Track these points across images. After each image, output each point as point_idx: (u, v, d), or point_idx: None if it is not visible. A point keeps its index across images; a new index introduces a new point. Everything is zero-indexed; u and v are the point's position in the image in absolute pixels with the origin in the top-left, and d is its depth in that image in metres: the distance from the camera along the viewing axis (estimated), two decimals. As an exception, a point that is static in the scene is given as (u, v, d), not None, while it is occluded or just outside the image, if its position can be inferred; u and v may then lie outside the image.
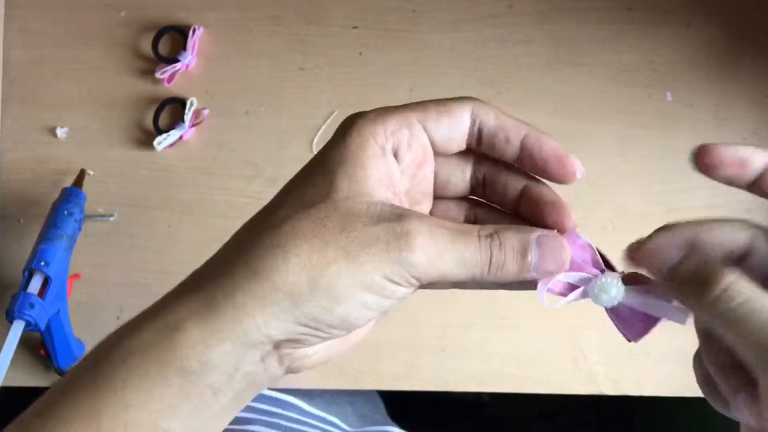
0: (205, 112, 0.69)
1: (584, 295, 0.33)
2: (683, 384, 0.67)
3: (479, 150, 0.33)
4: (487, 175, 0.34)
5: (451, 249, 0.29)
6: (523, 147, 0.32)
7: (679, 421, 0.83)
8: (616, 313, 0.33)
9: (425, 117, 0.31)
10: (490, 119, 0.31)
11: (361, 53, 0.70)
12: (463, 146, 0.32)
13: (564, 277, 0.32)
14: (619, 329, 0.33)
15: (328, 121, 0.69)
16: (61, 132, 0.70)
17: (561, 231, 0.32)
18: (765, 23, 0.70)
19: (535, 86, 0.70)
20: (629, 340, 0.33)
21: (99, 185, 0.69)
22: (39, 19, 0.71)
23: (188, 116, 0.69)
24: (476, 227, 0.30)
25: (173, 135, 0.68)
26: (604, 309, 0.33)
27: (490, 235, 0.30)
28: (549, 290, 0.32)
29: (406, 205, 0.31)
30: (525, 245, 0.30)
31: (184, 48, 0.69)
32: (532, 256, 0.30)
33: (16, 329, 0.60)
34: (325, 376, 0.67)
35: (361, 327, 0.30)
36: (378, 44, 0.70)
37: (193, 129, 0.69)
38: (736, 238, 0.31)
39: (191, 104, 0.69)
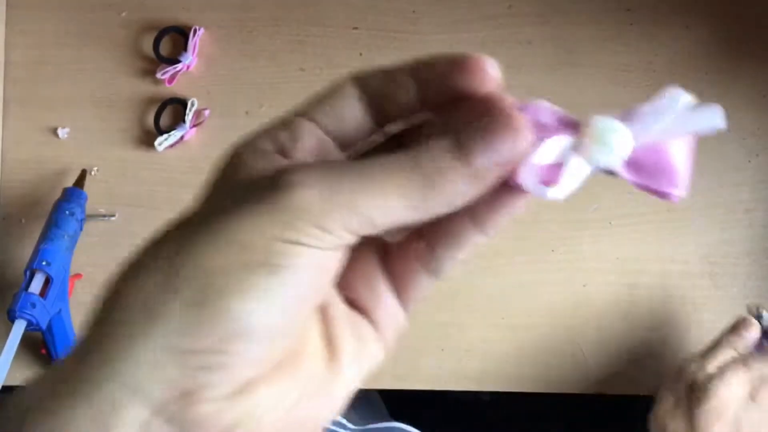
0: (206, 112, 0.70)
1: (577, 162, 0.23)
2: (682, 384, 0.67)
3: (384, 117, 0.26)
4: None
5: (357, 174, 0.21)
6: (417, 80, 0.26)
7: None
8: (632, 165, 0.23)
9: (305, 109, 0.26)
10: (376, 77, 0.26)
11: (361, 54, 0.71)
12: (362, 121, 0.26)
13: (540, 159, 0.23)
14: (651, 190, 0.23)
15: (329, 121, 0.70)
16: (62, 132, 0.70)
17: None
18: (764, 24, 0.70)
19: (534, 87, 0.70)
20: (673, 198, 0.23)
21: (100, 185, 0.69)
22: (40, 20, 0.71)
23: (189, 117, 0.69)
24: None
25: (174, 135, 0.68)
26: (614, 173, 0.23)
27: (411, 150, 0.22)
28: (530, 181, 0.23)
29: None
30: (462, 135, 0.22)
31: (185, 49, 0.69)
32: (477, 141, 0.22)
33: (18, 329, 0.60)
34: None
35: (294, 327, 0.21)
36: (378, 45, 0.71)
37: (194, 129, 0.69)
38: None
39: (192, 105, 0.69)
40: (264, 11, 0.71)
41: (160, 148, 0.69)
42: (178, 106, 0.70)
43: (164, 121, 0.70)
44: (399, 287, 0.26)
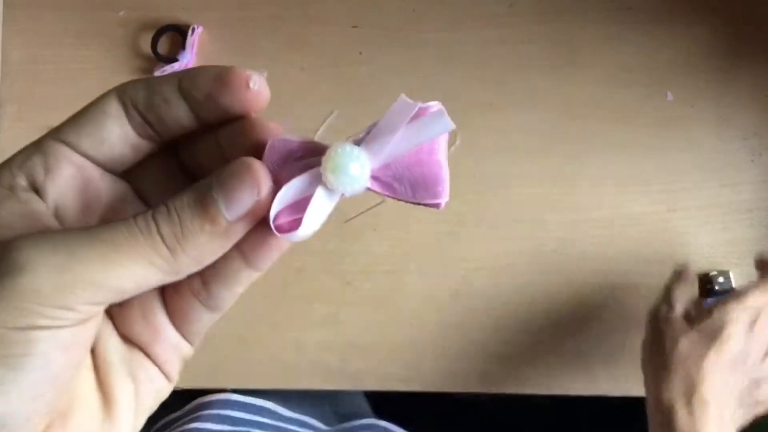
0: (205, 111, 0.69)
1: (323, 194, 0.23)
2: (684, 384, 0.67)
3: (158, 135, 0.25)
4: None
5: (97, 244, 0.20)
6: (183, 93, 0.24)
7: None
8: (385, 182, 0.23)
9: (59, 132, 0.24)
10: (140, 90, 0.25)
11: (361, 53, 0.70)
12: (130, 138, 0.25)
13: (285, 194, 0.22)
14: (411, 202, 0.23)
15: (328, 120, 0.69)
16: (60, 132, 0.69)
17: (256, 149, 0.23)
18: (765, 23, 0.70)
19: (535, 86, 0.69)
20: (437, 206, 0.23)
21: (98, 185, 0.68)
22: (38, 19, 0.71)
23: (188, 116, 0.68)
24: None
25: (172, 135, 0.68)
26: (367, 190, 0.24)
27: (151, 211, 0.22)
28: (280, 224, 0.22)
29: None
30: (201, 192, 0.22)
31: (183, 47, 0.69)
32: (217, 197, 0.21)
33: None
34: (325, 378, 0.67)
35: (52, 401, 0.21)
36: (378, 43, 0.70)
37: (193, 129, 0.69)
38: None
39: (191, 104, 0.69)
40: (263, 10, 0.71)
41: (158, 148, 0.68)
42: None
43: (163, 120, 0.69)
44: (178, 322, 0.25)
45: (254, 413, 0.67)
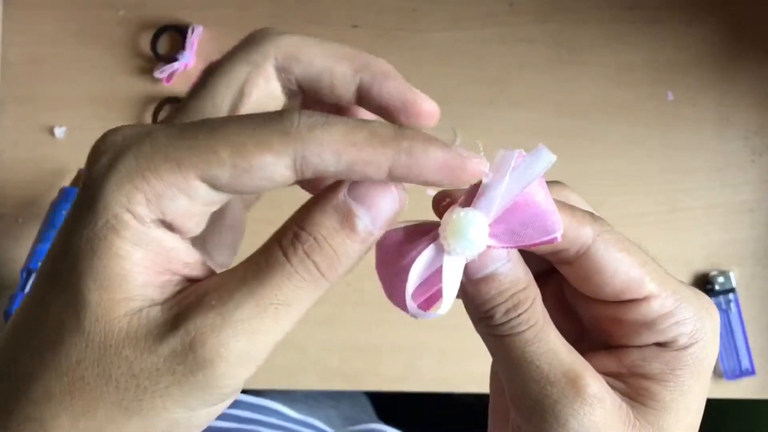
0: (204, 111, 0.69)
1: (449, 262, 0.23)
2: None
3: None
4: None
5: (262, 322, 0.21)
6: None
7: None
8: (502, 236, 0.24)
9: (209, 167, 0.21)
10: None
11: (361, 52, 0.70)
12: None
13: (415, 271, 0.23)
14: (532, 246, 0.24)
15: (328, 120, 0.69)
16: (59, 131, 0.69)
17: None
18: (766, 23, 0.69)
19: (535, 86, 0.69)
20: (554, 241, 0.23)
21: (97, 185, 0.68)
22: (37, 19, 0.71)
23: (187, 116, 0.68)
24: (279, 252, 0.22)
25: (172, 135, 0.68)
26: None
27: (298, 247, 0.22)
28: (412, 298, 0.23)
29: (198, 272, 0.23)
30: (342, 213, 0.22)
31: (182, 47, 0.69)
32: (361, 214, 0.22)
33: (14, 330, 0.60)
34: (326, 379, 0.67)
35: None
36: (378, 43, 0.70)
37: (192, 128, 0.69)
38: None
39: (190, 104, 0.68)
40: (263, 9, 0.71)
41: (158, 148, 0.68)
42: (176, 105, 0.69)
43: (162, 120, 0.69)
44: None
45: (261, 413, 0.67)
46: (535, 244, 0.23)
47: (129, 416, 0.20)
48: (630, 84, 0.69)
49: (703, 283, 0.67)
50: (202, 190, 0.21)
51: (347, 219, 0.22)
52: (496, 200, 0.23)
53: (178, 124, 0.22)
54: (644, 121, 0.69)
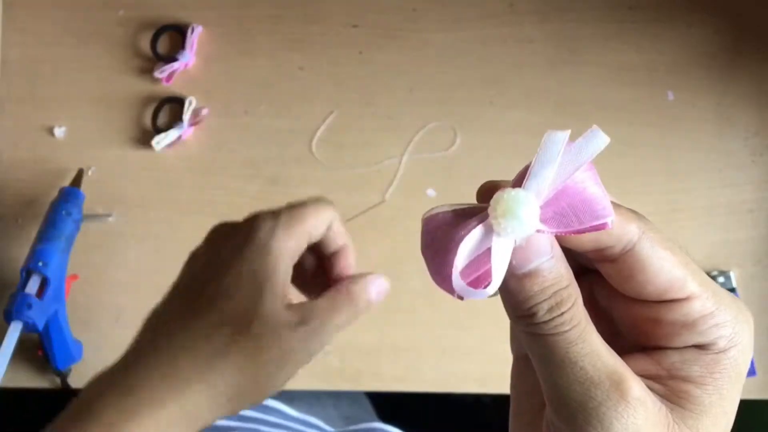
0: (204, 111, 0.69)
1: (498, 242, 0.22)
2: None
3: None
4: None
5: (340, 311, 0.42)
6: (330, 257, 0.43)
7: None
8: (552, 219, 0.23)
9: (315, 227, 0.42)
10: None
11: (361, 52, 0.70)
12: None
13: (463, 251, 0.22)
14: (583, 231, 0.23)
15: (328, 120, 0.69)
16: (59, 131, 0.69)
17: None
18: (766, 23, 0.69)
19: (535, 86, 0.69)
20: (605, 227, 0.23)
21: (97, 185, 0.68)
22: (37, 18, 0.71)
23: (187, 116, 0.68)
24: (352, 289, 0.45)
25: (172, 134, 0.68)
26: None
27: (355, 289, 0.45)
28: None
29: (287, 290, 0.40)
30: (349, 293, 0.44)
31: (182, 47, 0.69)
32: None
33: (14, 330, 0.60)
34: (325, 378, 0.67)
35: None
36: (378, 43, 0.70)
37: (192, 128, 0.69)
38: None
39: (190, 103, 0.68)
40: (262, 9, 0.71)
41: (157, 148, 0.68)
42: (176, 105, 0.69)
43: (162, 120, 0.69)
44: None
45: (262, 411, 0.67)
46: (585, 230, 0.23)
47: (282, 369, 0.38)
48: (630, 84, 0.69)
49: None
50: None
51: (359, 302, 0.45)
52: (546, 182, 0.22)
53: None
54: (644, 121, 0.69)
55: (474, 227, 0.22)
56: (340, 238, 0.43)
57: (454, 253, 0.22)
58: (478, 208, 0.23)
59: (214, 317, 0.37)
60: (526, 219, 0.22)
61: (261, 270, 0.38)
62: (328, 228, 0.42)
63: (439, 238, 0.23)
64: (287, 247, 0.39)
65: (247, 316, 0.37)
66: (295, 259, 0.40)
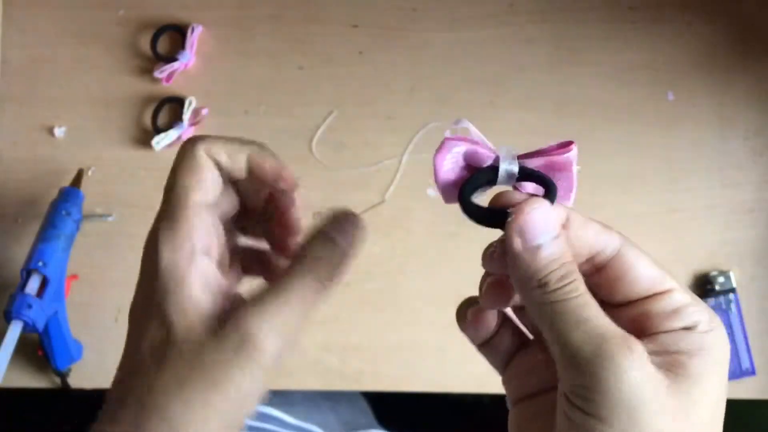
0: (204, 111, 0.69)
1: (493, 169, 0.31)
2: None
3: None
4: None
5: (293, 307, 0.30)
6: (249, 170, 0.34)
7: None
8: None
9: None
10: (221, 158, 0.33)
11: (361, 52, 0.70)
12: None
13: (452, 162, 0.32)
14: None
15: (328, 120, 0.69)
16: (59, 131, 0.69)
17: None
18: (766, 23, 0.69)
19: (535, 86, 0.69)
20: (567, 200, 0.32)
21: (97, 185, 0.68)
22: (37, 19, 0.71)
23: (187, 115, 0.68)
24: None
25: (172, 134, 0.68)
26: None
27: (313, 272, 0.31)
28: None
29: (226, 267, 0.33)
30: (332, 240, 0.31)
31: (182, 47, 0.69)
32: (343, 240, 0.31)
33: (14, 330, 0.60)
34: (325, 379, 0.67)
35: None
36: (378, 43, 0.70)
37: (192, 128, 0.69)
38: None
39: (190, 103, 0.68)
40: (262, 9, 0.71)
41: (157, 148, 0.68)
42: (176, 104, 0.69)
43: (162, 120, 0.69)
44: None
45: (259, 420, 0.67)
46: (557, 197, 0.30)
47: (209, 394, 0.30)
48: (630, 84, 0.69)
49: (704, 283, 0.66)
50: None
51: (343, 247, 0.31)
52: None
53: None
54: (644, 121, 0.69)
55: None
56: (268, 177, 0.33)
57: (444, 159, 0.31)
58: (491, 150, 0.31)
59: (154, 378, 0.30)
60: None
61: (155, 282, 0.32)
62: (246, 172, 0.34)
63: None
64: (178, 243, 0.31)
65: (159, 356, 0.30)
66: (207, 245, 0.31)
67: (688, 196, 0.68)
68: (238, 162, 0.33)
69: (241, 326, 0.30)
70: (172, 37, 0.70)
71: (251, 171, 0.33)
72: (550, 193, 0.30)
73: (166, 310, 0.31)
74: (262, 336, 0.30)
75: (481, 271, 0.34)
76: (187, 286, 0.31)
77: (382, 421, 0.78)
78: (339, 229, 0.31)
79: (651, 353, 0.27)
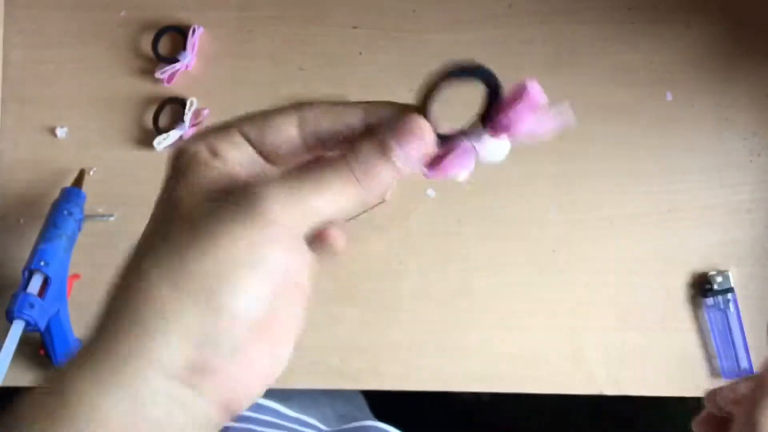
0: (205, 112, 0.69)
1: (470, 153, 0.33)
2: (683, 384, 0.67)
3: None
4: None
5: (307, 179, 0.27)
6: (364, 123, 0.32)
7: (679, 421, 0.83)
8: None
9: (242, 123, 0.32)
10: (322, 125, 0.31)
11: (361, 53, 0.70)
12: (298, 150, 0.31)
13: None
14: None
15: (328, 121, 0.69)
16: (60, 132, 0.70)
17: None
18: (765, 23, 0.70)
19: (535, 86, 0.69)
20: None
21: (99, 185, 0.69)
22: (39, 19, 0.71)
23: (188, 116, 0.68)
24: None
25: (173, 135, 0.68)
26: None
27: (343, 156, 0.29)
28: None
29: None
30: (382, 144, 0.30)
31: (183, 48, 0.69)
32: (395, 147, 0.30)
33: (16, 329, 0.60)
34: (325, 378, 0.67)
35: (266, 307, 0.27)
36: (378, 44, 0.70)
37: (193, 129, 0.69)
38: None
39: (191, 104, 0.69)
40: (263, 10, 0.71)
41: (159, 148, 0.68)
42: (177, 105, 0.69)
43: (163, 120, 0.69)
44: None
45: (257, 411, 0.67)
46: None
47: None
48: (629, 84, 0.69)
49: (702, 283, 0.67)
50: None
51: (385, 149, 0.29)
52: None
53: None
54: (643, 122, 0.69)
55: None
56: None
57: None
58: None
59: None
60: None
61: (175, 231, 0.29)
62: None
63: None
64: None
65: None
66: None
67: (687, 197, 0.68)
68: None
69: (248, 189, 0.26)
70: (173, 38, 0.71)
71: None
72: (495, 92, 0.31)
73: (175, 190, 0.30)
74: (270, 201, 0.26)
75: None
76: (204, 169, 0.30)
77: (381, 420, 0.78)
78: (394, 134, 0.30)
79: None
